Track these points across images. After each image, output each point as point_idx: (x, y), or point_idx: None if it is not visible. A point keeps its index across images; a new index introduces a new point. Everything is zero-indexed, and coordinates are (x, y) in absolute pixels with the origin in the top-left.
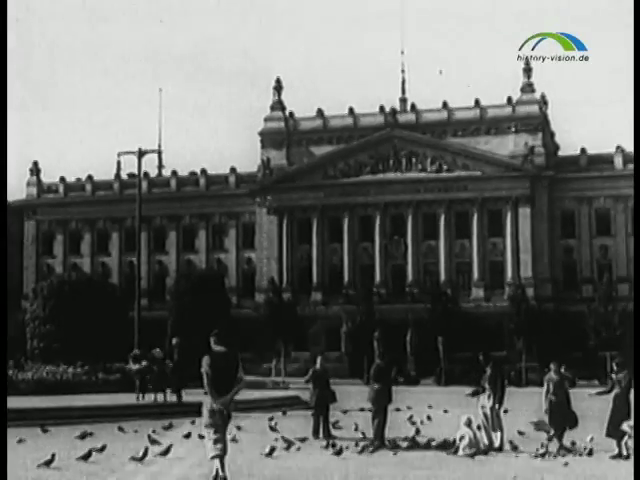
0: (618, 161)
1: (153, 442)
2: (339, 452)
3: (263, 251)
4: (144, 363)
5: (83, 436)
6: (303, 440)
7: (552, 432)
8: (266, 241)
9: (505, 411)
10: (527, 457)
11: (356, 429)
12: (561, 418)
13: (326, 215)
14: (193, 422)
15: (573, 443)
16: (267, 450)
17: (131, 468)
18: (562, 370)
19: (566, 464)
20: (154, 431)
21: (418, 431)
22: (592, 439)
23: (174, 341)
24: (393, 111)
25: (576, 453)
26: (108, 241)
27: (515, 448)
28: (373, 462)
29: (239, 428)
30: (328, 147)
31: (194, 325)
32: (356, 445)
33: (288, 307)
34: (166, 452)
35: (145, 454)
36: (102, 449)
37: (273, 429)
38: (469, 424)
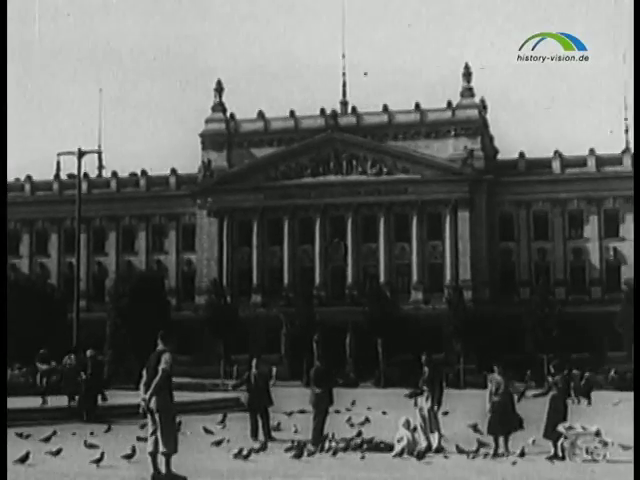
0: (556, 165)
1: (90, 446)
2: (299, 454)
3: (203, 253)
4: (53, 364)
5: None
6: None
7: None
8: (206, 243)
9: (445, 413)
10: (465, 458)
11: (296, 431)
12: (506, 420)
13: (266, 217)
14: (142, 426)
15: (495, 446)
16: (236, 451)
17: (81, 471)
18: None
19: (514, 463)
20: (92, 433)
21: (360, 433)
22: (534, 441)
23: (88, 353)
24: (334, 114)
25: (512, 454)
26: (47, 242)
27: (441, 450)
28: (312, 464)
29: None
30: (269, 149)
31: (133, 326)
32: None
33: (228, 309)
34: (131, 455)
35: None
36: (58, 452)
37: (207, 431)
38: (407, 426)
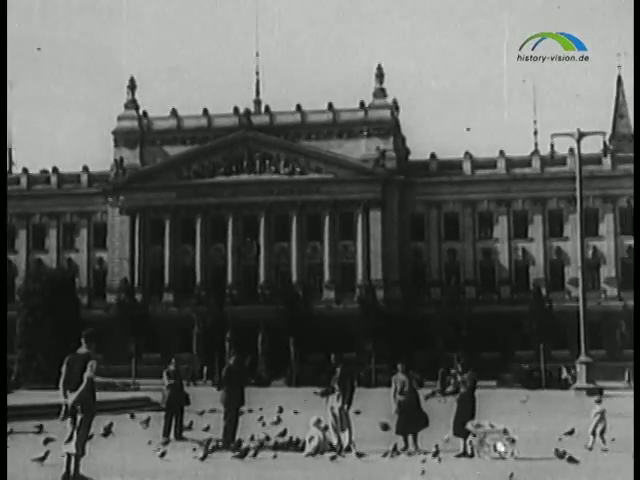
0: (467, 167)
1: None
2: (244, 454)
3: (115, 251)
4: None
5: None
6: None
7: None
8: (118, 241)
9: (357, 412)
10: (377, 457)
11: (206, 429)
12: (412, 419)
13: (179, 216)
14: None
15: (405, 445)
16: (160, 451)
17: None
18: (410, 372)
19: (424, 461)
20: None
21: (285, 432)
22: (448, 440)
23: None
24: (247, 113)
25: (422, 452)
26: None
27: (351, 449)
28: (225, 463)
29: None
30: (182, 147)
31: (43, 325)
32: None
33: (139, 308)
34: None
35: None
36: None
37: (108, 432)
38: (319, 425)
